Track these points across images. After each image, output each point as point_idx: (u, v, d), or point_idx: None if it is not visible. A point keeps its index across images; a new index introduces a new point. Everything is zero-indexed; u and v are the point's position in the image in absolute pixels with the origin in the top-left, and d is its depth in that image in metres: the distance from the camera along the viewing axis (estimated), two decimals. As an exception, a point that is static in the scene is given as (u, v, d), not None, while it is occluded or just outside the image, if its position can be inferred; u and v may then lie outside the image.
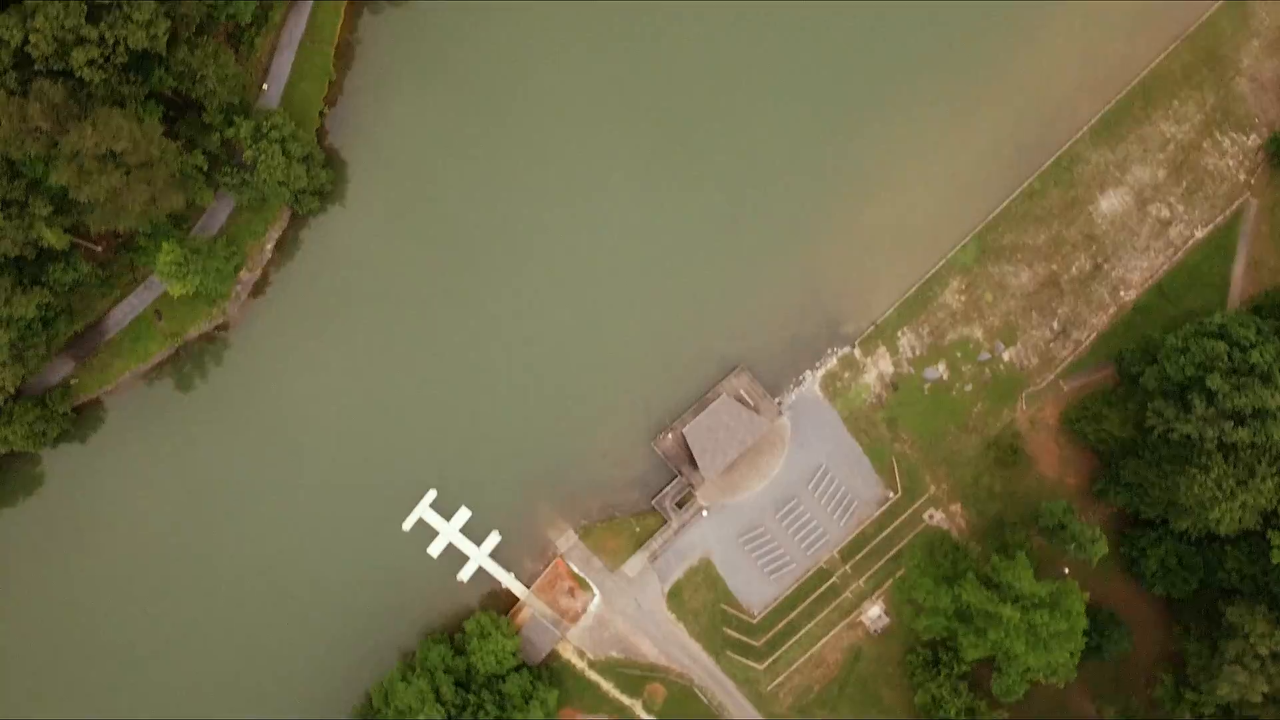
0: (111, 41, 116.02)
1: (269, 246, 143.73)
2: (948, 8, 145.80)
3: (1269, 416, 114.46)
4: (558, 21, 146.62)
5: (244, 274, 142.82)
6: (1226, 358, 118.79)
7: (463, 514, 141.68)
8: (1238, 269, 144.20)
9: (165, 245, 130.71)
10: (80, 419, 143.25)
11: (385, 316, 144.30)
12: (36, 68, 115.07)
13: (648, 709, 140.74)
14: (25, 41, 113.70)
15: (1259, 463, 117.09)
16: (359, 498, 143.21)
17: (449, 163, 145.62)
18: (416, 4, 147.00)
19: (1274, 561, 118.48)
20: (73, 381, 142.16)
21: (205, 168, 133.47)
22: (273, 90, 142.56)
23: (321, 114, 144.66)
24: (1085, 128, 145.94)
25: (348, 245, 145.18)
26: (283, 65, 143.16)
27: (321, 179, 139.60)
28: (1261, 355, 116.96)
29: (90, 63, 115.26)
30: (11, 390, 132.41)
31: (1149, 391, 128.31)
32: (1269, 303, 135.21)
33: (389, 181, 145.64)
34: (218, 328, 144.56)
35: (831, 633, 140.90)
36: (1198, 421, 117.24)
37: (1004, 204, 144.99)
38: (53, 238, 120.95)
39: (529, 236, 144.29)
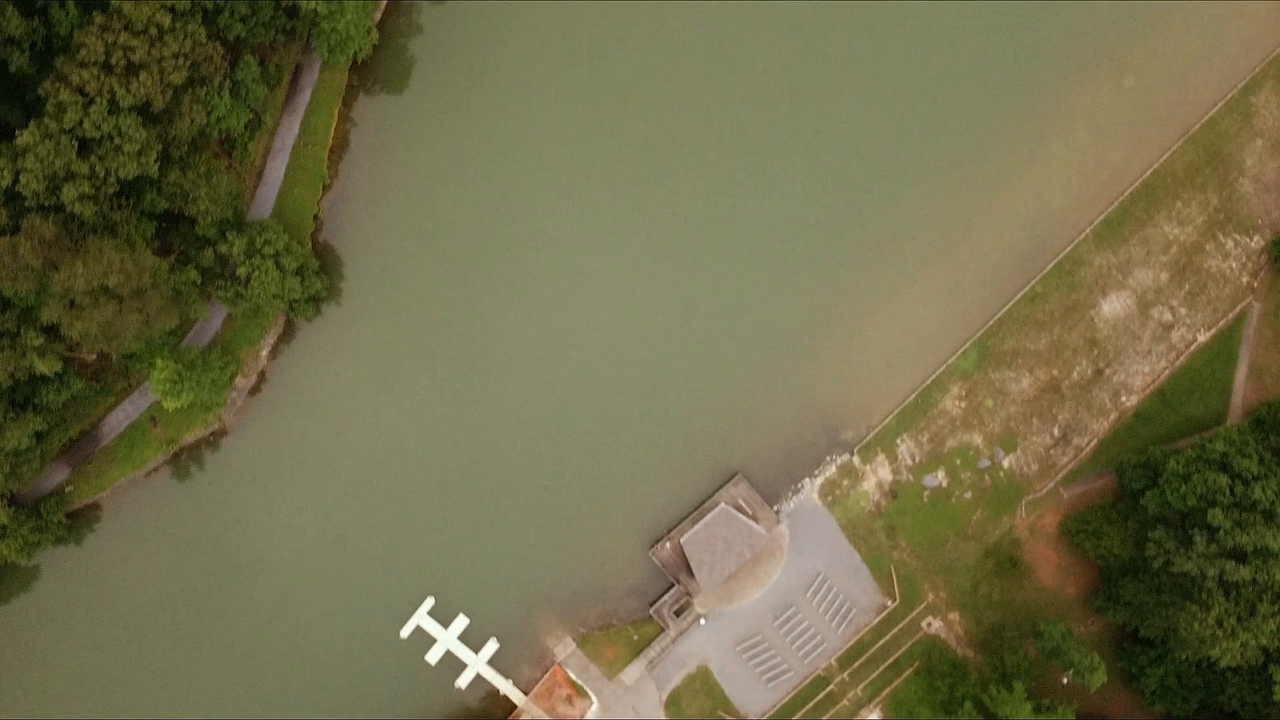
0: (102, 174, 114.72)
1: (264, 353, 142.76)
2: (949, 115, 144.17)
3: (1271, 556, 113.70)
4: (550, 119, 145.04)
5: (240, 380, 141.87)
6: (1229, 491, 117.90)
7: (461, 621, 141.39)
8: (1240, 375, 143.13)
9: (159, 362, 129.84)
10: (74, 522, 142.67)
11: (382, 420, 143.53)
12: (27, 204, 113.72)
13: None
14: (16, 180, 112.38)
15: (1260, 601, 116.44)
16: (356, 604, 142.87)
17: (444, 262, 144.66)
18: (410, 106, 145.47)
19: (1275, 698, 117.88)
20: (68, 489, 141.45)
21: (199, 282, 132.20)
22: (266, 195, 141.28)
23: (316, 217, 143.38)
24: (1088, 229, 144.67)
25: (344, 347, 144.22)
26: (276, 170, 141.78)
27: (316, 287, 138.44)
28: (1264, 491, 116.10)
29: (82, 196, 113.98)
30: (4, 502, 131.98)
31: (1149, 516, 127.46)
32: (1271, 417, 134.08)
33: (385, 280, 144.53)
34: (214, 433, 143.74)
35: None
36: (1199, 559, 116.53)
37: (1005, 309, 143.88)
38: (45, 367, 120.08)
39: (526, 341, 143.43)
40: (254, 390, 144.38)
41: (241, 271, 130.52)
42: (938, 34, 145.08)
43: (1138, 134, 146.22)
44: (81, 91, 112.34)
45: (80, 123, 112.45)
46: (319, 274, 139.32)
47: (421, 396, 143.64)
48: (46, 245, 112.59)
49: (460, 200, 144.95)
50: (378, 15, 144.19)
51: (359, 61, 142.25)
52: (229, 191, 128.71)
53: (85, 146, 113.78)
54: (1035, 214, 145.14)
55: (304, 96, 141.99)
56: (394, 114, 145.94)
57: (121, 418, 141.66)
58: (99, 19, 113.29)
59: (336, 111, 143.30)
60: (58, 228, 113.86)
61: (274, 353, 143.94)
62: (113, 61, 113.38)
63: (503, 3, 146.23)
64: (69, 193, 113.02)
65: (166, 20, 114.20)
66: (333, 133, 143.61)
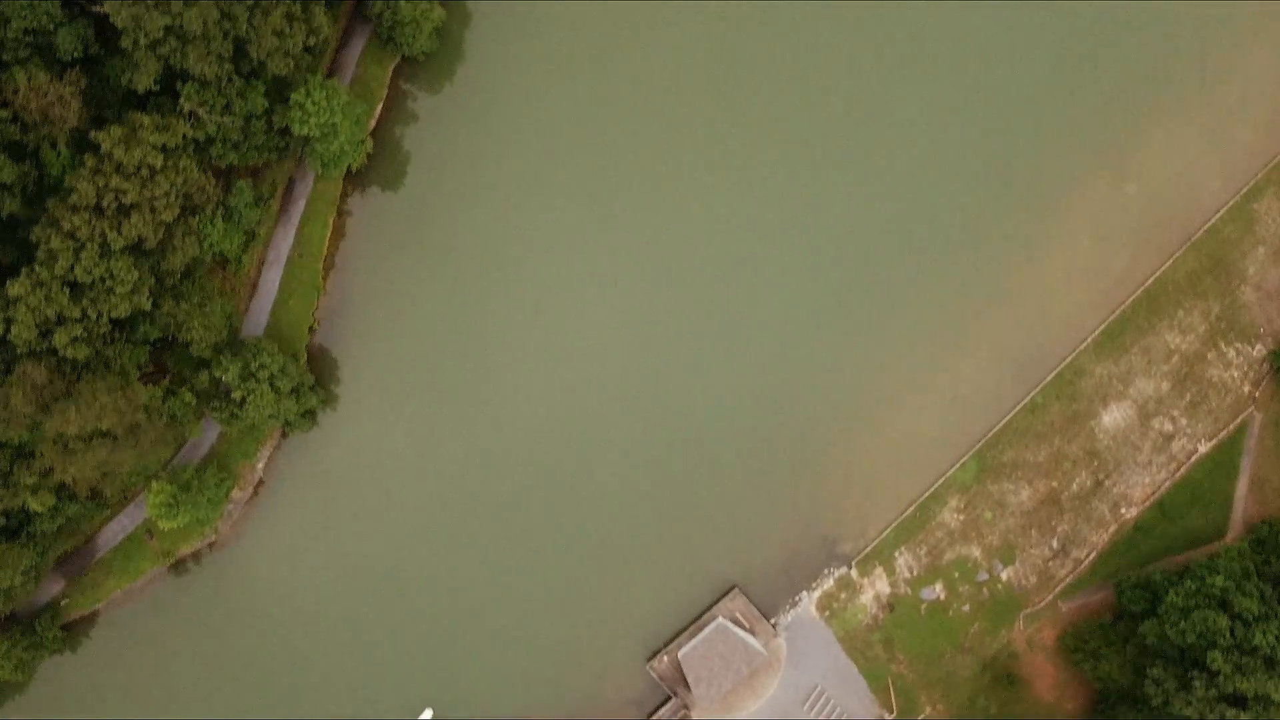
0: (94, 316, 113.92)
1: (260, 466, 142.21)
2: (948, 222, 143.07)
3: (1273, 704, 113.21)
4: (543, 218, 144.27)
5: (236, 493, 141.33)
6: (1229, 634, 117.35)
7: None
8: (1241, 487, 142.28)
9: (155, 485, 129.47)
10: (71, 633, 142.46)
11: (380, 527, 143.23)
12: (19, 350, 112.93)
13: None
14: (7, 330, 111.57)
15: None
16: (355, 714, 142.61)
17: (439, 368, 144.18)
18: (405, 206, 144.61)
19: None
20: (63, 601, 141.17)
21: (194, 403, 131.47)
22: (261, 306, 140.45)
23: (311, 328, 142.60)
24: (1089, 339, 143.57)
25: (340, 454, 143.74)
26: (271, 281, 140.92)
27: (312, 402, 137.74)
28: (1264, 636, 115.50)
29: (74, 340, 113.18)
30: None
31: (1147, 646, 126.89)
32: (1272, 538, 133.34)
33: (380, 387, 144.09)
34: (210, 544, 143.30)
35: None
36: (1199, 703, 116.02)
37: (1005, 420, 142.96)
38: (38, 505, 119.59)
39: (523, 451, 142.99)
40: (250, 499, 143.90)
41: (236, 395, 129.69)
42: (938, 139, 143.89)
43: (1140, 240, 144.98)
44: (73, 236, 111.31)
45: (72, 268, 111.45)
46: (314, 389, 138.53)
47: (419, 504, 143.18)
48: (38, 390, 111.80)
49: (455, 304, 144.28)
50: (372, 123, 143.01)
51: (353, 170, 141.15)
52: (223, 316, 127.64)
53: (77, 290, 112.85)
54: (1036, 322, 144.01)
55: (298, 207, 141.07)
56: (389, 217, 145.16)
57: (117, 530, 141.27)
58: (90, 162, 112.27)
59: (331, 221, 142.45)
60: (49, 371, 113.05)
61: (270, 463, 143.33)
62: (104, 204, 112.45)
63: (500, 97, 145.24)
64: (61, 338, 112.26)
65: (158, 161, 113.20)
66: (327, 242, 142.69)
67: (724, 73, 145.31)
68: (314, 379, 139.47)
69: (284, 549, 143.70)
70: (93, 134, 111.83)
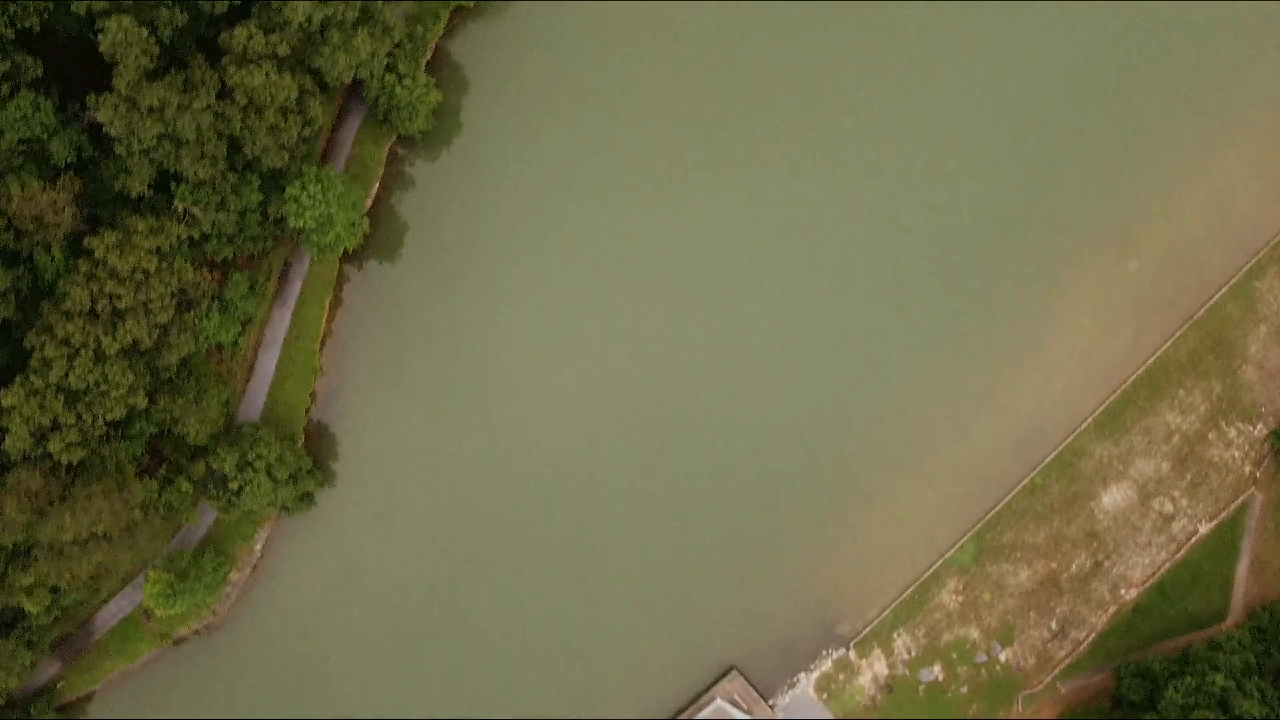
0: (89, 420, 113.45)
1: (258, 547, 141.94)
2: (948, 302, 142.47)
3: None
4: (539, 290, 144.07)
5: (234, 574, 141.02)
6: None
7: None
8: (1241, 569, 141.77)
9: (152, 574, 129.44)
10: (66, 715, 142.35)
11: (379, 608, 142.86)
12: (12, 458, 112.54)
13: None
14: (1, 439, 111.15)
15: None
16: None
17: (437, 447, 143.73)
18: (402, 283, 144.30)
19: None
20: (59, 684, 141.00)
21: (191, 491, 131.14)
22: (258, 389, 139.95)
23: (308, 410, 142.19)
24: (1089, 419, 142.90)
25: (338, 533, 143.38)
26: (268, 363, 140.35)
27: (310, 486, 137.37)
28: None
29: (68, 445, 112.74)
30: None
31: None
32: (1273, 625, 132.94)
33: (378, 466, 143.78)
34: (208, 624, 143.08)
35: None
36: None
37: (1004, 501, 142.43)
38: (34, 605, 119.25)
39: (520, 532, 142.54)
40: (249, 578, 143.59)
41: (233, 485, 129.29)
42: (938, 217, 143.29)
43: (1141, 319, 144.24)
44: (66, 343, 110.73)
45: (66, 375, 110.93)
46: (312, 472, 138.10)
47: (419, 584, 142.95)
48: (32, 496, 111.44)
49: (452, 379, 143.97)
50: (368, 202, 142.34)
51: (349, 251, 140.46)
52: (219, 408, 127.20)
53: (71, 396, 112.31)
54: (1036, 402, 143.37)
55: (294, 288, 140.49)
56: (386, 294, 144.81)
57: (115, 611, 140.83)
58: (84, 267, 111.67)
59: (327, 302, 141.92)
60: (44, 477, 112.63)
61: (268, 543, 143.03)
62: (98, 309, 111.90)
63: (497, 172, 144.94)
64: (55, 444, 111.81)
65: (152, 264, 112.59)
66: (324, 323, 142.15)
67: (714, 152, 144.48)
68: (311, 462, 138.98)
69: (283, 629, 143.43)
70: (86, 240, 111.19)
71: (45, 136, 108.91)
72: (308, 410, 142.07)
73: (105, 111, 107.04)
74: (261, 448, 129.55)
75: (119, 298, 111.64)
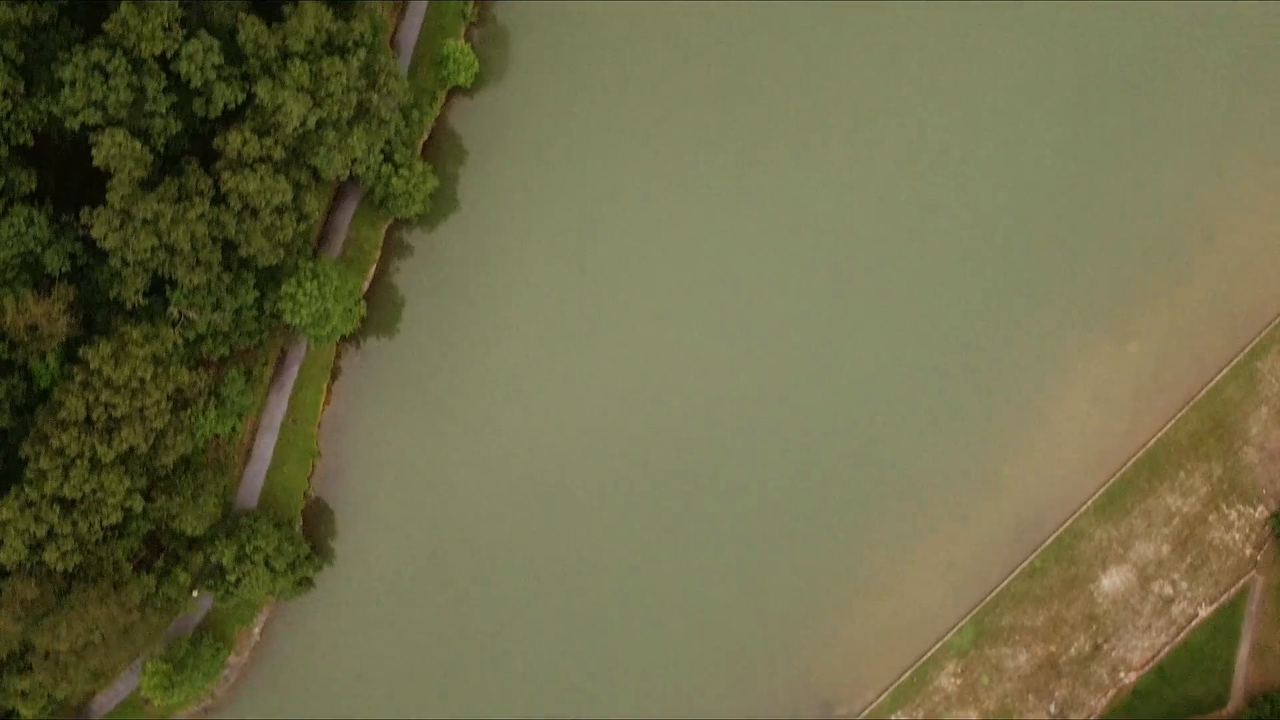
0: (85, 527, 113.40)
1: (257, 630, 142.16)
2: (946, 384, 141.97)
3: None
4: (537, 379, 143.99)
5: (232, 658, 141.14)
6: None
7: None
8: (1242, 653, 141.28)
9: (149, 666, 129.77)
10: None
11: (380, 691, 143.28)
12: (7, 569, 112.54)
13: None
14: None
15: None
16: None
17: (437, 531, 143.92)
18: (400, 362, 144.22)
19: None
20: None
21: (189, 582, 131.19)
22: (256, 472, 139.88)
23: (306, 493, 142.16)
24: (1089, 502, 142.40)
25: (339, 619, 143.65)
26: (265, 447, 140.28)
27: (308, 570, 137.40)
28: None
29: (64, 554, 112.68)
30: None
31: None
32: (1273, 713, 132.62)
33: (377, 550, 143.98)
34: (206, 708, 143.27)
35: None
36: None
37: (1003, 584, 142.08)
38: (29, 710, 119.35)
39: (519, 619, 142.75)
40: (248, 661, 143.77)
41: (231, 578, 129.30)
42: (938, 297, 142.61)
43: (1141, 401, 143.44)
44: (61, 454, 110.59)
45: (61, 486, 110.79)
46: (311, 558, 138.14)
47: (420, 666, 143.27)
48: (27, 606, 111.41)
49: (451, 460, 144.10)
50: (365, 285, 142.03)
51: (346, 335, 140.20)
52: (217, 503, 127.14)
53: (67, 506, 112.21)
54: (1035, 485, 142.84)
55: (291, 373, 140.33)
56: (385, 375, 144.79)
57: (112, 695, 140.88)
58: (79, 376, 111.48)
59: (325, 385, 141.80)
60: (39, 586, 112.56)
61: (267, 626, 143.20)
62: (94, 418, 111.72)
63: (497, 239, 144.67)
64: (51, 554, 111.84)
65: (148, 372, 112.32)
66: (322, 406, 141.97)
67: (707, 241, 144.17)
68: (310, 548, 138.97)
69: (283, 711, 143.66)
70: (81, 350, 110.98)
71: (39, 250, 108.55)
72: (306, 493, 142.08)
73: (99, 227, 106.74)
74: (259, 540, 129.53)
75: (114, 406, 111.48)
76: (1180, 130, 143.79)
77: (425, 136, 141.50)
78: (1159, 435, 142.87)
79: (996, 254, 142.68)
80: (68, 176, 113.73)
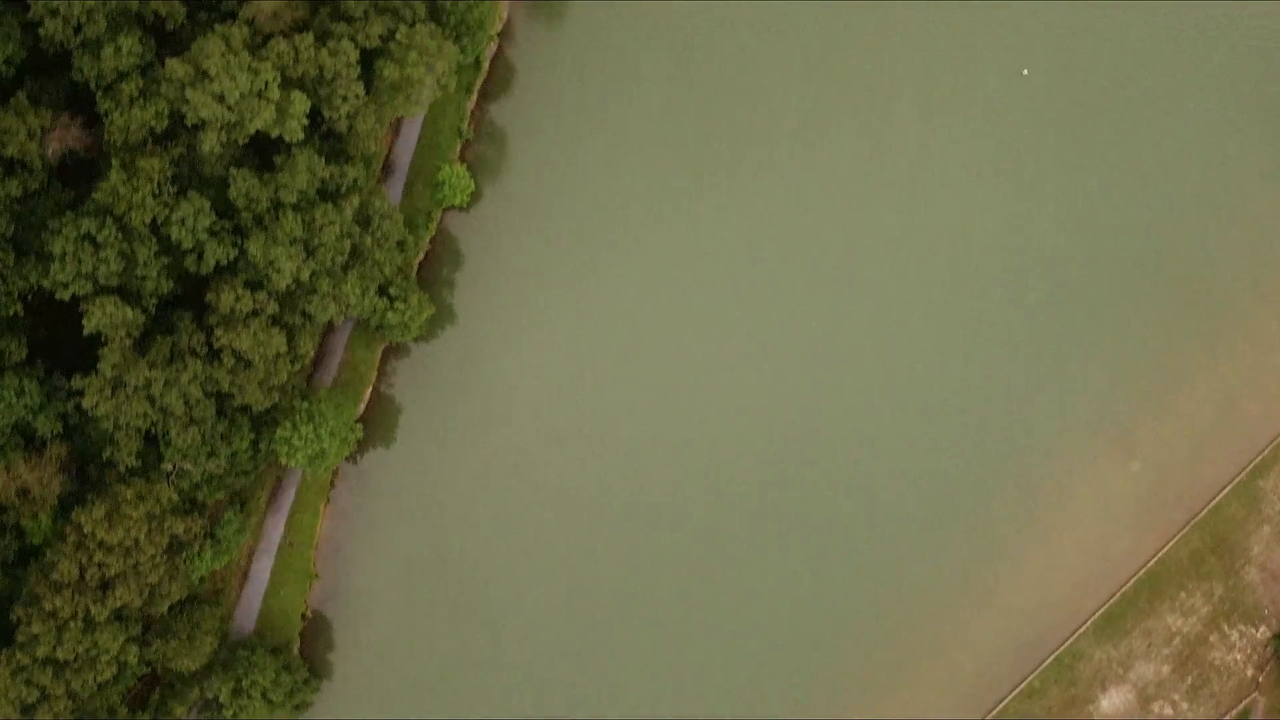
0: (79, 686, 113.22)
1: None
2: (947, 502, 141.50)
3: None
4: (536, 504, 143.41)
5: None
6: None
7: None
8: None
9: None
10: None
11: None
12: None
13: None
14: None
15: None
16: None
17: (437, 651, 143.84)
18: (397, 489, 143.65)
19: None
20: None
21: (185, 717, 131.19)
22: (253, 595, 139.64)
23: (304, 615, 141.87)
24: (1089, 622, 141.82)
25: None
26: (262, 570, 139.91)
27: (306, 695, 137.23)
28: None
29: (56, 716, 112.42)
30: None
31: None
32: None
33: (377, 670, 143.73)
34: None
35: None
36: None
37: (1002, 704, 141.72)
38: None
39: None
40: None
41: (228, 713, 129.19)
42: (940, 417, 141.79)
43: (1143, 520, 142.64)
44: (54, 616, 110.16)
45: (54, 649, 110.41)
46: (309, 682, 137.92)
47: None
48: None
49: (452, 580, 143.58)
50: (361, 407, 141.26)
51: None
52: (213, 639, 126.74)
53: (60, 666, 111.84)
54: (1035, 605, 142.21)
55: (288, 496, 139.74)
56: (383, 492, 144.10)
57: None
58: (72, 537, 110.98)
59: (322, 508, 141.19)
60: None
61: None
62: (87, 577, 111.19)
63: (495, 353, 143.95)
64: (43, 715, 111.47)
65: (143, 531, 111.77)
66: (319, 528, 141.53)
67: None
68: (308, 671, 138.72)
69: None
70: (74, 513, 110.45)
71: (30, 416, 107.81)
72: (304, 614, 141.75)
73: (90, 396, 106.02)
74: (256, 674, 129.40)
75: (108, 565, 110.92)
76: (1189, 249, 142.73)
77: (421, 257, 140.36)
78: (1160, 554, 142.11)
79: (1000, 369, 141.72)
80: (59, 331, 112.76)
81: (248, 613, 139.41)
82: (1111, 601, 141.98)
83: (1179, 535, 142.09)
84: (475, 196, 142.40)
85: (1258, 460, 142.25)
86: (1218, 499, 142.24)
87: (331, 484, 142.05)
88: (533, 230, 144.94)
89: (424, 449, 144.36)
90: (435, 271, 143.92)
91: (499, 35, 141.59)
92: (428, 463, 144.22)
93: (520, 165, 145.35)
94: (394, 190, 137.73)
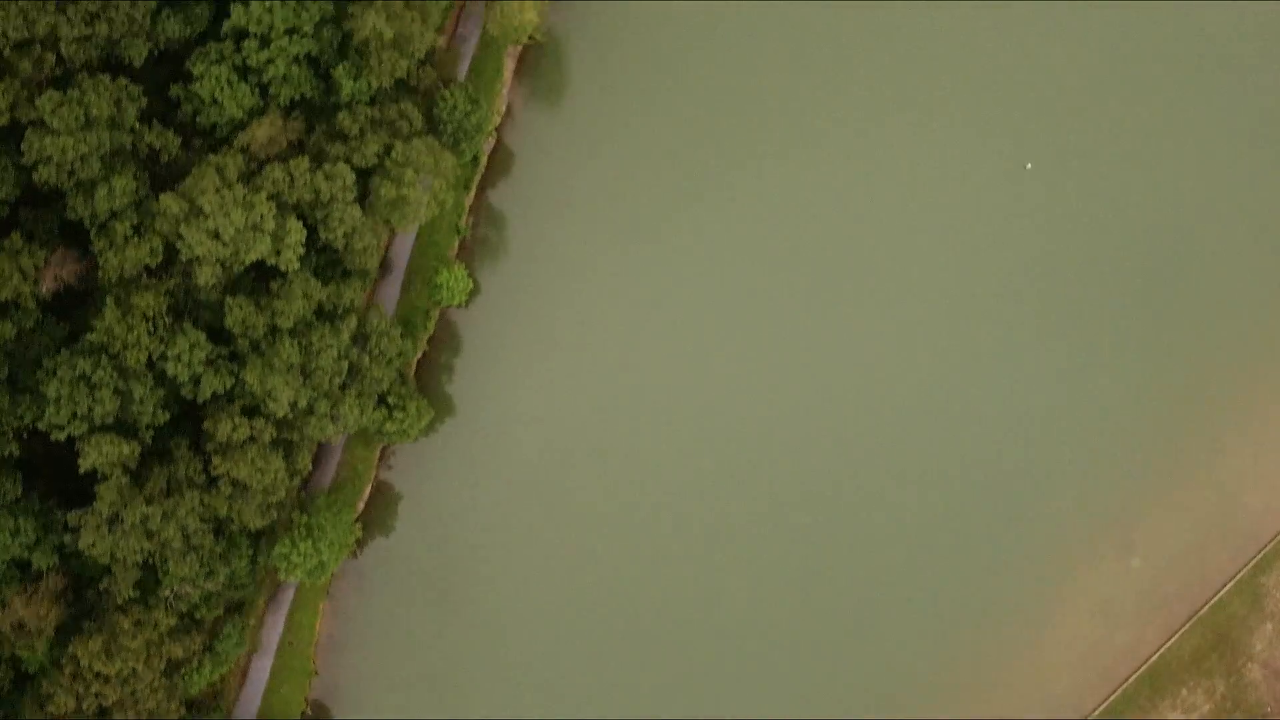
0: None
1: None
2: (947, 599, 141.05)
3: None
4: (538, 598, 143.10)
5: None
6: None
7: None
8: None
9: None
10: None
11: None
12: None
13: None
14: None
15: None
16: None
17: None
18: (396, 586, 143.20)
19: None
20: None
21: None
22: (252, 694, 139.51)
23: (304, 713, 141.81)
24: (1089, 719, 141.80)
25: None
26: (261, 669, 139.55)
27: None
28: None
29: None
30: None
31: None
32: None
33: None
34: None
35: None
36: None
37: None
38: None
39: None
40: None
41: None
42: (937, 517, 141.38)
43: (1144, 617, 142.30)
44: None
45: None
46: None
47: None
48: None
49: (454, 675, 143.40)
50: (361, 505, 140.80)
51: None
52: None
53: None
54: (1035, 702, 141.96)
55: (287, 595, 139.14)
56: (383, 588, 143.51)
57: None
58: (69, 668, 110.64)
59: (321, 606, 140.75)
60: None
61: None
62: (84, 707, 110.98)
63: (494, 448, 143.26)
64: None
65: (140, 661, 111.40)
66: (318, 626, 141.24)
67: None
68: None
69: None
70: (71, 646, 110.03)
71: (26, 553, 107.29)
72: (304, 712, 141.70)
73: (87, 535, 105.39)
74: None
75: (105, 695, 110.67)
76: (1187, 342, 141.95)
77: (419, 355, 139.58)
78: (1161, 650, 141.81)
79: (998, 471, 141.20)
80: (54, 460, 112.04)
81: (247, 710, 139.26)
82: (1112, 699, 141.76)
83: (1180, 631, 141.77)
84: (474, 291, 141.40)
85: (1259, 557, 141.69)
86: (1219, 595, 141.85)
87: (330, 583, 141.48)
88: (533, 315, 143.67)
89: (423, 543, 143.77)
90: (434, 364, 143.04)
91: (498, 129, 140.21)
92: (428, 555, 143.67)
93: (520, 251, 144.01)
94: (391, 289, 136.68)
